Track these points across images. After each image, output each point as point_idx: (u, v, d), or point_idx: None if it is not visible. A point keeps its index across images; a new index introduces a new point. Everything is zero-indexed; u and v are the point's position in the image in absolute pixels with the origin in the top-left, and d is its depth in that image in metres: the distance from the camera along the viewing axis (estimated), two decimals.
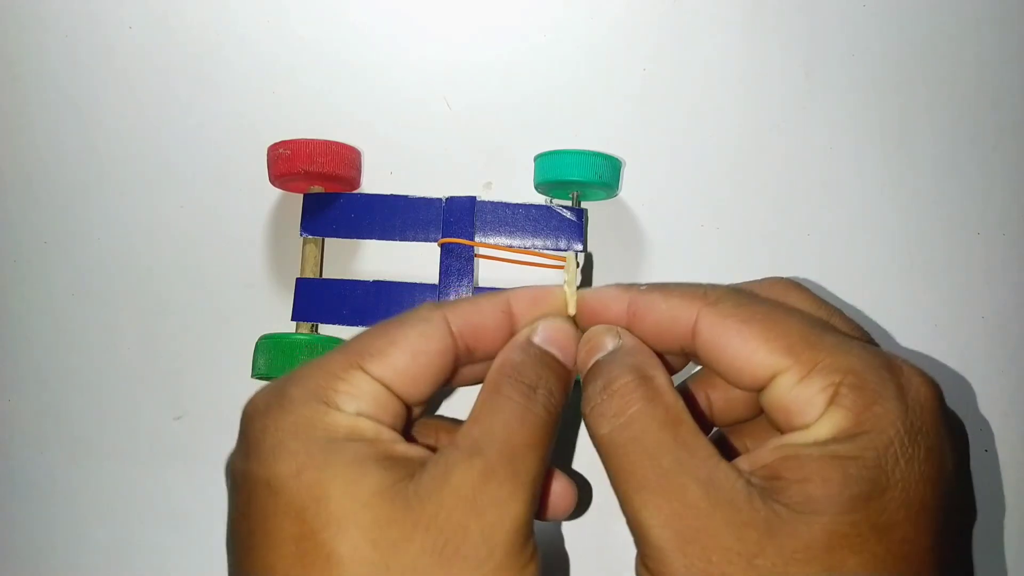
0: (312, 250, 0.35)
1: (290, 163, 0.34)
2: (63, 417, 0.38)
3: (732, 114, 0.36)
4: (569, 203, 0.35)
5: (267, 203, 0.37)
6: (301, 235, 0.35)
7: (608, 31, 0.37)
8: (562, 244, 0.34)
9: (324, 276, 0.36)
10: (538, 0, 0.37)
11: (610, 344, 0.25)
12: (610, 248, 0.36)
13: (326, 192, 0.35)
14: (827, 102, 0.36)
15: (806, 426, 0.21)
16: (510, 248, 0.34)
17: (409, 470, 0.24)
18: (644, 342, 0.25)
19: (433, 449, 0.25)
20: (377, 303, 0.34)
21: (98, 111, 0.39)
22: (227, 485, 0.26)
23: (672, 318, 0.24)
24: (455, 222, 0.34)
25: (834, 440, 0.21)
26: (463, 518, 0.23)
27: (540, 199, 0.36)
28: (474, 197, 0.34)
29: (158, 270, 0.38)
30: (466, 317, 0.26)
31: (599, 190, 0.34)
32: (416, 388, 0.26)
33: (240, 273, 0.36)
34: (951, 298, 0.35)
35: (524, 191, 0.35)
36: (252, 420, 0.25)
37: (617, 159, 0.34)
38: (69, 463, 0.37)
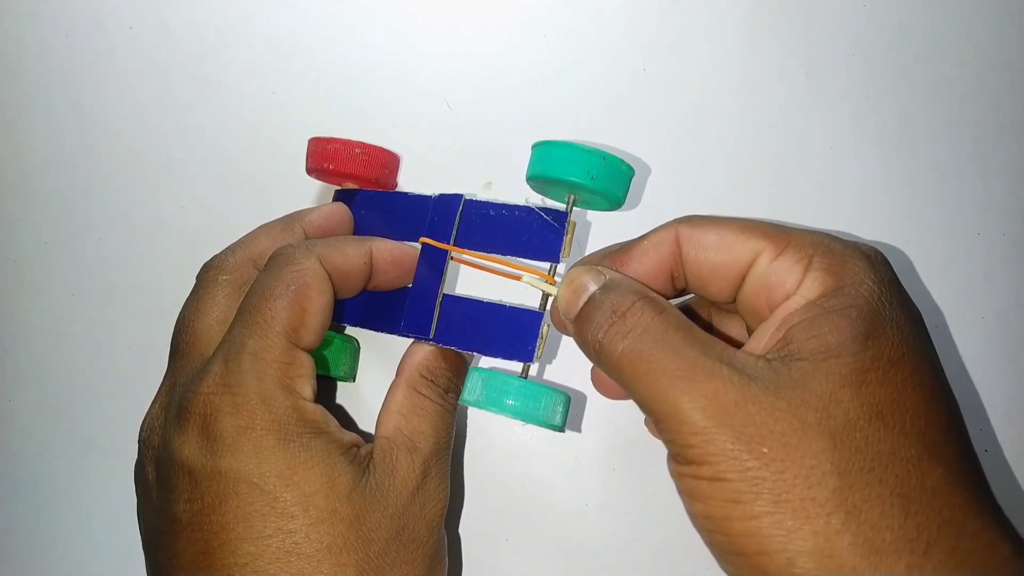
0: None
1: (366, 166, 0.33)
2: (63, 417, 0.38)
3: (732, 114, 0.36)
4: (564, 207, 0.30)
5: (268, 202, 0.37)
6: None
7: (608, 31, 0.37)
8: (539, 253, 0.30)
9: None
10: (538, 0, 0.37)
11: (594, 285, 0.26)
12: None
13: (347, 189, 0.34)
14: (827, 102, 0.36)
15: (788, 296, 0.24)
16: (485, 256, 0.30)
17: (361, 461, 0.27)
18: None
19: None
20: (382, 302, 0.32)
21: (98, 111, 0.39)
22: (162, 475, 0.26)
23: (657, 253, 0.27)
24: (440, 221, 0.31)
25: (824, 297, 0.23)
26: (409, 506, 0.27)
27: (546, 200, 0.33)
28: (460, 195, 0.31)
29: (158, 270, 0.38)
30: (337, 264, 0.29)
31: (599, 198, 0.29)
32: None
33: None
34: (951, 298, 0.35)
35: (524, 192, 0.35)
36: (219, 418, 0.25)
37: (627, 165, 0.28)
38: (69, 463, 0.37)
